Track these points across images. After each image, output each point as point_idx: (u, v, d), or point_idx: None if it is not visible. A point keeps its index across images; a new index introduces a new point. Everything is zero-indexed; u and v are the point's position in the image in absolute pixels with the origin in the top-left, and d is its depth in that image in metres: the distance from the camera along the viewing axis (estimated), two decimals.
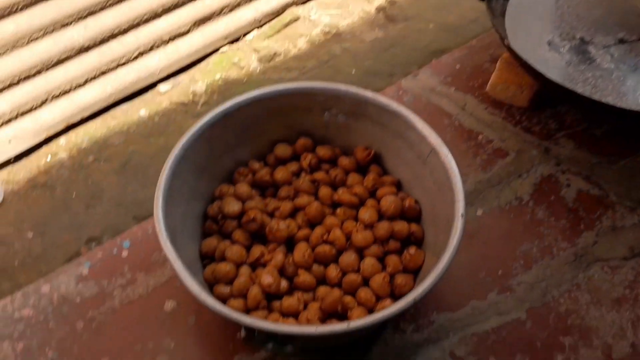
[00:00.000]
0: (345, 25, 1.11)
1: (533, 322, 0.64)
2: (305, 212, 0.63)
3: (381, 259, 0.61)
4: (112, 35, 1.03)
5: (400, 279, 0.59)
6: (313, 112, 0.68)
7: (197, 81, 1.05)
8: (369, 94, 0.65)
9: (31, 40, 0.96)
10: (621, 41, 0.85)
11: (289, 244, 0.62)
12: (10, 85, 0.95)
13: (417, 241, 0.63)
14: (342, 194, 0.64)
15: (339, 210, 0.64)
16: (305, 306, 0.58)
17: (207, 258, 0.63)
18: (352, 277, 0.59)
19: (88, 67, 1.01)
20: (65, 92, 1.00)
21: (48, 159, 0.93)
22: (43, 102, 0.98)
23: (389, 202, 0.63)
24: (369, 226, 0.62)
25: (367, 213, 0.62)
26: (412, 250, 0.60)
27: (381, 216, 0.63)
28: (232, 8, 1.13)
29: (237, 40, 1.13)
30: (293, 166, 0.68)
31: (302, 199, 0.64)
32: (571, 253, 0.69)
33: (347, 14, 1.15)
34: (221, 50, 1.11)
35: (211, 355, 0.62)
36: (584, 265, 0.68)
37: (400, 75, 0.94)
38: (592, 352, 0.62)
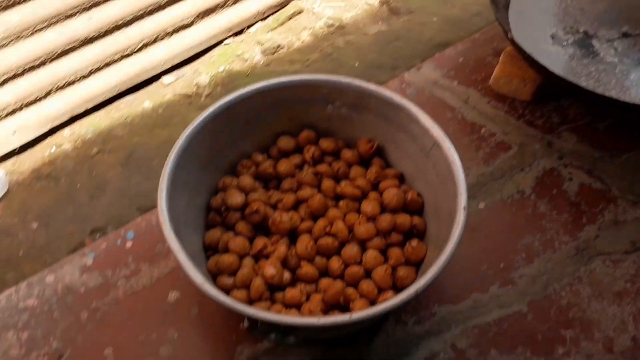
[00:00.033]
0: (349, 18, 1.11)
1: (534, 315, 0.64)
2: (308, 205, 0.64)
3: (383, 252, 0.61)
4: (117, 27, 1.03)
5: (402, 272, 0.59)
6: (316, 105, 0.68)
7: (201, 73, 1.05)
8: (372, 86, 0.65)
9: (36, 31, 0.96)
10: (625, 35, 0.85)
11: (292, 236, 0.63)
12: (15, 76, 0.96)
13: (419, 234, 0.63)
14: (345, 187, 0.64)
15: (341, 203, 0.64)
16: (308, 298, 0.58)
17: (210, 249, 0.63)
18: (355, 269, 0.59)
19: (92, 59, 1.02)
20: (70, 84, 1.01)
21: (52, 150, 0.94)
22: (47, 93, 0.99)
23: (391, 194, 0.63)
24: (372, 219, 0.62)
25: (369, 206, 0.63)
26: (414, 242, 0.61)
27: (384, 209, 0.63)
28: (235, 0, 1.13)
29: (240, 32, 1.13)
30: (296, 159, 0.68)
31: (305, 192, 0.65)
32: (573, 247, 0.70)
33: (351, 7, 1.15)
34: (225, 42, 1.11)
35: (214, 346, 0.63)
36: (586, 259, 0.68)
37: (404, 69, 0.95)
38: (593, 345, 0.62)
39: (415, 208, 0.64)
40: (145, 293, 0.66)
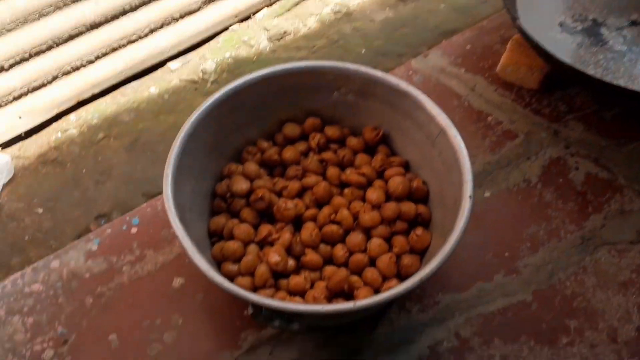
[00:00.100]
0: (356, 5, 1.11)
1: (539, 304, 0.64)
2: (313, 192, 0.63)
3: (388, 240, 0.61)
4: (123, 12, 1.03)
5: (406, 260, 0.59)
6: (322, 92, 0.68)
7: (207, 59, 1.05)
8: (378, 73, 0.65)
9: (42, 16, 0.96)
10: (634, 23, 0.84)
11: (297, 223, 0.63)
12: (21, 60, 0.95)
13: (424, 222, 0.63)
14: (350, 174, 0.64)
15: (346, 191, 0.64)
16: (312, 285, 0.59)
17: (215, 236, 0.63)
18: (359, 257, 0.59)
19: (99, 44, 1.01)
20: (76, 69, 1.00)
21: (58, 135, 0.94)
22: (54, 78, 0.98)
23: (396, 182, 0.63)
24: (377, 207, 0.62)
25: (374, 193, 0.62)
26: (419, 231, 0.60)
27: (389, 197, 0.63)
28: None
29: (247, 18, 1.12)
30: (301, 146, 0.68)
31: (310, 179, 0.64)
32: (578, 236, 0.69)
33: None
34: (231, 28, 1.11)
35: (219, 332, 0.63)
36: (591, 249, 0.68)
37: (410, 56, 0.94)
38: (598, 335, 0.62)
39: (421, 196, 0.64)
40: (150, 279, 0.67)
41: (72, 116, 0.97)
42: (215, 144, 0.65)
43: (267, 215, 0.63)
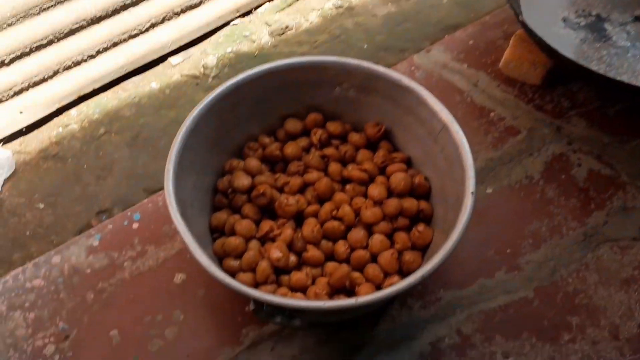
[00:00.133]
0: None
1: (540, 301, 0.64)
2: (315, 188, 0.63)
3: (390, 236, 0.61)
4: (124, 6, 1.03)
5: (408, 256, 0.59)
6: (324, 87, 0.67)
7: (208, 54, 1.04)
8: (380, 68, 0.65)
9: (43, 10, 0.96)
10: (638, 19, 0.83)
11: (298, 219, 0.63)
12: (22, 55, 0.95)
13: (426, 218, 0.63)
14: (352, 170, 0.64)
15: (348, 187, 0.64)
16: (314, 281, 0.58)
17: (216, 232, 0.63)
18: (361, 253, 0.59)
19: (100, 38, 1.01)
20: (77, 63, 1.00)
21: (59, 130, 0.94)
22: (55, 73, 0.98)
23: (398, 179, 0.62)
24: (378, 203, 0.62)
25: (376, 190, 0.62)
26: (420, 227, 0.60)
27: (390, 193, 0.63)
28: None
29: (248, 13, 1.12)
30: (303, 141, 0.68)
31: (312, 175, 0.64)
32: (580, 233, 0.69)
33: None
34: (232, 23, 1.11)
35: (220, 328, 0.63)
36: (593, 245, 0.68)
37: (413, 51, 0.94)
38: (599, 332, 0.62)
39: (423, 192, 0.64)
40: (151, 275, 0.66)
41: (73, 111, 0.97)
42: (216, 140, 0.64)
43: (268, 211, 0.63)
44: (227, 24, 1.10)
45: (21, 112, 0.94)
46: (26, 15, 0.94)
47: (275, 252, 0.58)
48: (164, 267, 0.67)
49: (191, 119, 0.60)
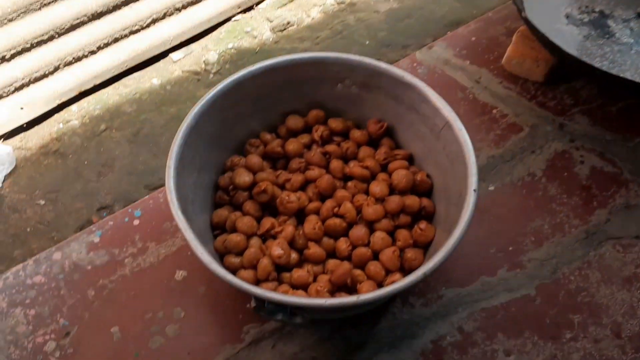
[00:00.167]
0: None
1: (542, 299, 0.64)
2: (316, 185, 0.63)
3: (391, 233, 0.61)
4: (125, 2, 1.02)
5: (410, 254, 0.59)
6: (326, 83, 0.67)
7: (210, 50, 1.04)
8: (383, 65, 0.64)
9: (44, 5, 0.95)
10: None
11: (300, 216, 0.62)
12: (23, 51, 0.95)
13: (428, 216, 0.63)
14: (354, 167, 0.64)
15: (350, 184, 0.64)
16: (315, 279, 0.58)
17: (217, 228, 0.63)
18: (362, 251, 0.59)
19: (101, 34, 1.01)
20: (78, 59, 1.00)
21: (60, 126, 0.93)
22: (55, 69, 0.98)
23: (400, 176, 0.62)
24: (380, 200, 0.61)
25: (378, 187, 0.62)
26: (422, 224, 0.60)
27: (392, 190, 0.63)
28: None
29: (250, 8, 1.12)
30: (304, 138, 0.68)
31: (313, 172, 0.64)
32: (583, 230, 0.69)
33: None
34: (234, 18, 1.10)
35: (221, 325, 0.63)
36: (596, 243, 0.68)
37: (415, 47, 0.93)
38: (602, 330, 0.62)
39: (425, 189, 0.64)
40: (152, 271, 0.66)
41: (74, 107, 0.97)
42: (217, 136, 0.64)
43: (269, 208, 0.63)
44: (228, 19, 1.10)
45: (22, 108, 0.94)
46: (27, 10, 0.94)
47: (277, 249, 0.57)
48: (165, 264, 0.67)
49: (192, 116, 0.60)
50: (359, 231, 0.60)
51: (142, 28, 1.04)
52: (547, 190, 0.72)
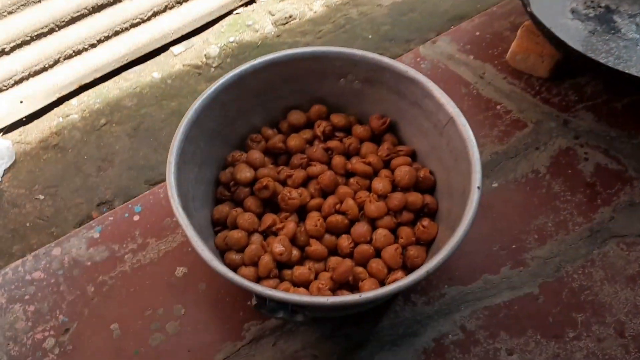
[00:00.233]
0: None
1: (545, 297, 0.63)
2: (318, 181, 0.62)
3: (394, 231, 0.60)
4: None
5: (412, 251, 0.58)
6: (328, 78, 0.67)
7: (211, 44, 1.03)
8: (386, 59, 0.63)
9: None
10: None
11: (301, 212, 0.62)
12: (22, 44, 0.94)
13: (431, 213, 0.62)
14: (356, 164, 0.63)
15: (352, 180, 0.63)
16: (317, 276, 0.58)
17: (218, 225, 0.62)
18: (364, 248, 0.58)
19: (101, 27, 1.00)
20: (78, 52, 0.99)
21: (60, 120, 0.93)
22: (55, 62, 0.97)
23: (403, 172, 0.62)
24: (383, 197, 0.61)
25: (380, 183, 0.61)
26: (425, 222, 0.59)
27: (395, 187, 0.62)
28: None
29: (252, 2, 1.11)
30: (306, 134, 0.67)
31: (315, 168, 0.63)
32: (587, 228, 0.68)
33: None
34: (235, 12, 1.09)
35: (222, 322, 0.62)
36: (600, 241, 0.67)
37: (418, 42, 0.93)
38: (605, 329, 0.61)
39: (427, 186, 0.63)
40: (152, 268, 0.66)
41: (74, 101, 0.96)
42: (219, 131, 0.64)
43: (271, 204, 0.62)
44: (229, 12, 1.09)
45: (21, 102, 0.93)
46: (27, 3, 0.93)
47: (278, 246, 0.57)
48: (165, 260, 0.66)
49: (193, 110, 0.59)
50: (361, 228, 0.60)
51: (143, 21, 1.03)
52: (550, 187, 0.71)
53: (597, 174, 0.72)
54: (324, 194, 0.63)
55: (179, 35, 1.05)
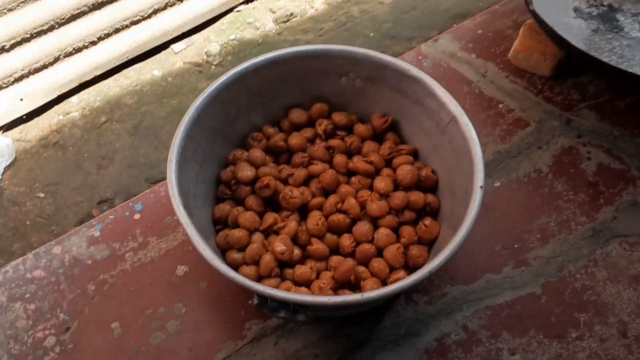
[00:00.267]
0: None
1: (548, 297, 0.63)
2: (320, 180, 0.62)
3: (396, 230, 0.60)
4: None
5: (414, 250, 0.58)
6: (330, 77, 0.66)
7: (212, 41, 1.03)
8: (388, 58, 0.63)
9: None
10: None
11: (303, 211, 0.62)
12: (22, 41, 0.94)
13: (433, 212, 0.62)
14: (358, 162, 0.63)
15: (353, 179, 0.63)
16: (318, 275, 0.58)
17: (219, 223, 0.62)
18: (366, 247, 0.58)
19: (101, 25, 1.00)
20: (78, 50, 0.99)
21: (60, 118, 0.93)
22: (55, 60, 0.97)
23: (405, 171, 0.61)
24: (384, 196, 0.61)
25: (382, 182, 0.61)
26: (427, 221, 0.59)
27: (397, 186, 0.62)
28: None
29: None
30: (308, 132, 0.67)
31: (317, 167, 0.63)
32: (589, 228, 0.68)
33: None
34: (236, 9, 1.09)
35: (223, 322, 0.62)
36: (602, 241, 0.67)
37: (420, 40, 0.92)
38: (607, 329, 0.61)
39: (429, 185, 0.63)
40: (153, 266, 0.66)
41: (74, 98, 0.96)
42: (220, 130, 0.63)
43: (272, 203, 0.62)
44: (230, 10, 1.09)
45: (21, 99, 0.93)
46: (27, 0, 0.92)
47: (279, 245, 0.57)
48: (166, 259, 0.66)
49: (194, 109, 0.59)
50: (362, 227, 0.59)
51: (143, 18, 1.03)
52: (553, 186, 0.71)
53: (599, 174, 0.72)
54: (326, 193, 0.62)
55: (179, 32, 1.04)
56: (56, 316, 0.63)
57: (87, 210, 0.80)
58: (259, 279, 0.57)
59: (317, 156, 0.64)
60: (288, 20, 1.05)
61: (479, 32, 0.87)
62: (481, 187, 0.54)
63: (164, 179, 0.55)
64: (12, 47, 0.92)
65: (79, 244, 0.67)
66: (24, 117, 0.93)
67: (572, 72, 0.81)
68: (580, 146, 0.74)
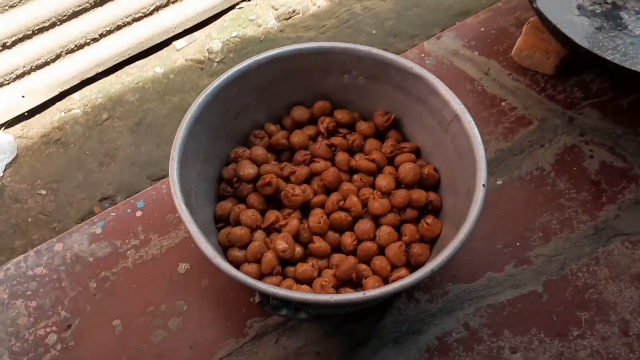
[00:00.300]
0: None
1: (549, 295, 0.63)
2: (322, 178, 0.62)
3: (397, 228, 0.60)
4: None
5: (416, 249, 0.58)
6: (332, 74, 0.66)
7: (213, 38, 1.03)
8: (391, 55, 0.63)
9: None
10: None
11: (304, 209, 0.61)
12: (24, 38, 0.94)
13: (435, 210, 0.62)
14: (360, 160, 0.63)
15: (355, 177, 0.63)
16: (320, 273, 0.57)
17: (221, 221, 0.62)
18: (368, 245, 0.58)
19: (103, 21, 0.99)
20: (80, 47, 0.99)
21: (62, 115, 0.92)
22: (57, 56, 0.97)
23: (407, 169, 0.61)
24: (386, 194, 0.61)
25: (384, 180, 0.61)
26: (429, 219, 0.59)
27: (399, 184, 0.62)
28: None
29: None
30: (310, 130, 0.67)
31: (319, 164, 0.63)
32: (591, 226, 0.68)
33: None
34: (238, 6, 1.09)
35: (224, 319, 0.62)
36: (604, 240, 0.67)
37: (423, 37, 0.92)
38: (609, 328, 0.61)
39: (432, 183, 0.63)
40: (154, 264, 0.66)
41: (76, 95, 0.96)
42: (221, 127, 0.63)
43: (274, 201, 0.62)
44: (232, 7, 1.08)
45: (23, 96, 0.93)
46: None
47: (281, 243, 0.57)
48: (168, 257, 0.66)
49: (196, 106, 0.59)
50: (364, 225, 0.59)
51: (145, 15, 1.03)
52: (555, 185, 0.71)
53: (602, 172, 0.72)
54: (328, 190, 0.62)
55: (181, 29, 1.04)
56: (57, 313, 0.63)
57: (89, 207, 0.80)
58: (261, 276, 0.57)
59: (319, 154, 0.64)
60: (290, 17, 1.05)
61: (482, 29, 0.87)
62: (484, 185, 0.54)
63: (166, 176, 0.55)
64: (14, 43, 0.92)
65: (81, 241, 0.67)
66: (26, 114, 0.93)
67: (575, 70, 0.81)
68: (582, 144, 0.74)
